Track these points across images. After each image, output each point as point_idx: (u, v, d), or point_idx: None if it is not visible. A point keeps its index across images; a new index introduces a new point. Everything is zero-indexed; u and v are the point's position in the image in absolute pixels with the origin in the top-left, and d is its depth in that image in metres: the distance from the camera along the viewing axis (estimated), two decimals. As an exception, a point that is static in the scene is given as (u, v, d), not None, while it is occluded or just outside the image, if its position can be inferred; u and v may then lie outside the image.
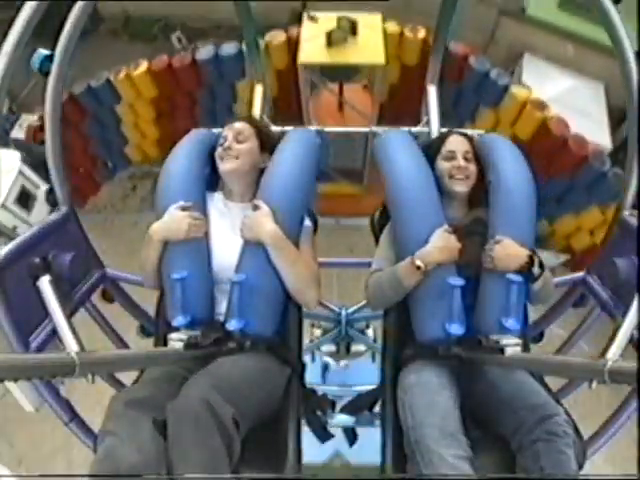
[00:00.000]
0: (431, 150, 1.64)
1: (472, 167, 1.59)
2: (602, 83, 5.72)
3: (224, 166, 1.57)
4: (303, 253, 1.50)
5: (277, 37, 5.06)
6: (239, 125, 1.61)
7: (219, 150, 1.59)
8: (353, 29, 4.15)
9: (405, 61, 5.20)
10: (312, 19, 4.35)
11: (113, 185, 6.41)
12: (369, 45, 4.17)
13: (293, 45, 4.71)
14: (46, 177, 5.93)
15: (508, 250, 1.42)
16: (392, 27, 4.93)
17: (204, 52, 5.19)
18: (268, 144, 1.62)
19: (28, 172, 5.55)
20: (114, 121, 5.72)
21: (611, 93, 5.63)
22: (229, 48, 5.09)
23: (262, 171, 1.57)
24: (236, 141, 1.58)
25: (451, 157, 1.59)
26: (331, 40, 4.10)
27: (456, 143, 1.62)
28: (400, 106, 4.77)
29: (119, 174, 6.41)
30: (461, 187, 1.57)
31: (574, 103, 5.54)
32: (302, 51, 4.18)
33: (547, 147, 4.91)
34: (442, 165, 1.60)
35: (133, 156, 6.23)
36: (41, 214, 5.74)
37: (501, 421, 1.34)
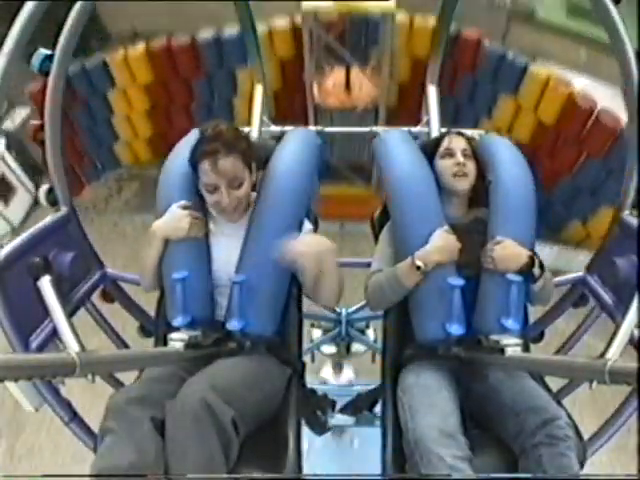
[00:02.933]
0: (428, 150, 1.63)
1: (471, 164, 1.58)
2: (617, 86, 5.64)
3: (226, 216, 1.48)
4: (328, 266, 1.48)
5: (280, 23, 4.76)
6: (229, 166, 1.36)
7: (210, 199, 1.42)
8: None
9: (417, 54, 4.84)
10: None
11: (98, 185, 6.18)
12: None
13: (299, 33, 4.44)
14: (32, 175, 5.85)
15: (508, 251, 1.42)
16: (401, 17, 4.47)
17: (205, 34, 4.97)
18: (257, 163, 1.49)
19: (12, 163, 5.45)
20: (105, 111, 5.48)
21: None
22: (231, 31, 4.83)
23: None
24: (232, 188, 1.40)
25: (450, 154, 1.58)
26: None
27: (454, 141, 1.61)
28: (411, 108, 4.53)
29: (106, 174, 6.20)
30: (462, 185, 1.57)
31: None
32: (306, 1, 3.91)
33: (576, 126, 4.57)
34: (441, 163, 1.59)
35: (123, 156, 5.99)
36: (18, 212, 5.60)
37: (502, 423, 1.34)
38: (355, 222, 5.07)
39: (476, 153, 1.62)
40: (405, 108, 5.03)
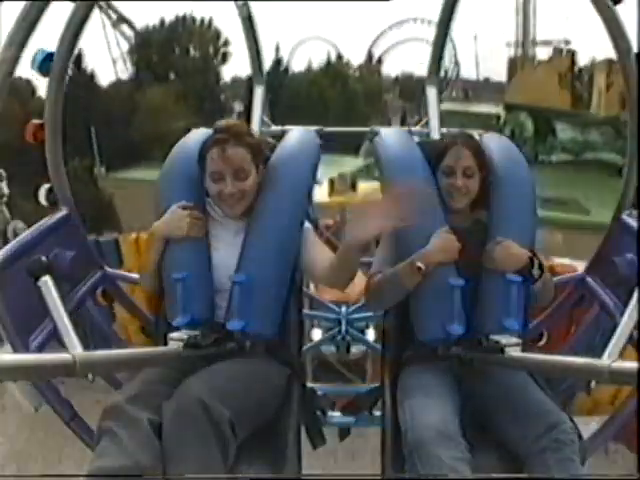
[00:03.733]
0: (433, 158, 1.57)
1: (472, 182, 1.52)
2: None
3: (230, 210, 1.46)
4: (317, 246, 1.50)
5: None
6: (237, 155, 1.38)
7: (213, 188, 1.42)
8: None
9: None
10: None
11: None
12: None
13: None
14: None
15: (509, 251, 1.42)
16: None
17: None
18: (261, 159, 1.48)
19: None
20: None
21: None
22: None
23: None
24: (238, 179, 1.40)
25: (449, 173, 1.52)
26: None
27: (456, 158, 1.51)
28: None
29: None
30: (457, 204, 1.53)
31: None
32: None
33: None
34: (441, 179, 1.54)
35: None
36: None
37: (504, 426, 1.34)
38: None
39: (481, 160, 1.56)
40: None
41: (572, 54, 20.77)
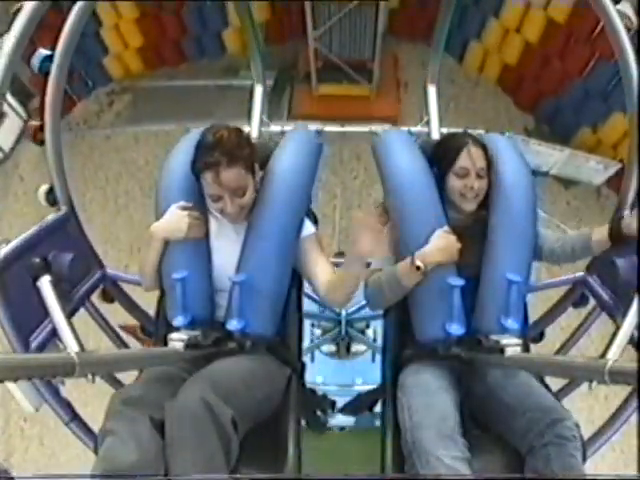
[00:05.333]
0: (443, 160, 1.55)
1: (483, 183, 1.52)
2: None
3: (229, 220, 1.47)
4: (319, 261, 1.49)
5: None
6: (232, 177, 1.35)
7: (213, 206, 1.43)
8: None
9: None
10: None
11: (89, 100, 5.80)
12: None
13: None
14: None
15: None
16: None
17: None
18: (255, 162, 1.46)
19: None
20: (93, 23, 5.16)
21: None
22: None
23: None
24: (236, 197, 1.39)
25: (464, 175, 1.50)
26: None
27: (470, 160, 1.50)
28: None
29: (97, 90, 5.84)
30: (468, 206, 1.52)
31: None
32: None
33: (588, 24, 4.32)
34: (453, 182, 1.51)
35: (113, 70, 5.67)
36: (8, 137, 5.37)
37: (507, 422, 1.34)
38: (356, 122, 4.99)
39: (488, 157, 1.56)
40: (406, 6, 4.96)
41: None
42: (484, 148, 1.55)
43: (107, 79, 5.82)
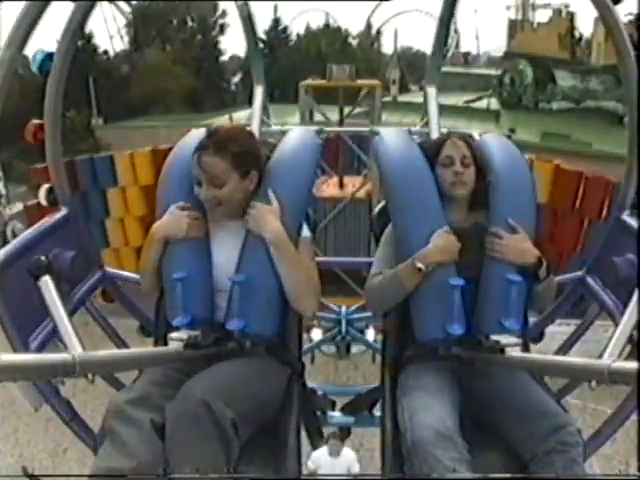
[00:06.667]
0: (430, 155, 1.59)
1: (470, 172, 1.56)
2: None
3: (211, 214, 1.48)
4: (304, 262, 1.48)
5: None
6: (211, 164, 1.39)
7: (197, 189, 1.44)
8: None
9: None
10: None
11: None
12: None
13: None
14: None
15: (521, 245, 1.42)
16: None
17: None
18: (251, 166, 1.46)
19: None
20: (102, 210, 5.38)
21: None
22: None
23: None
24: (212, 186, 1.41)
25: (449, 163, 1.55)
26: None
27: (453, 148, 1.55)
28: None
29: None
30: (459, 192, 1.54)
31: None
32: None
33: (570, 193, 4.58)
34: (441, 171, 1.56)
35: (108, 262, 5.84)
36: None
37: (507, 426, 1.34)
38: None
39: (475, 156, 1.60)
40: None
41: (571, 16, 20.26)
42: (468, 141, 1.61)
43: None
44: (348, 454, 3.44)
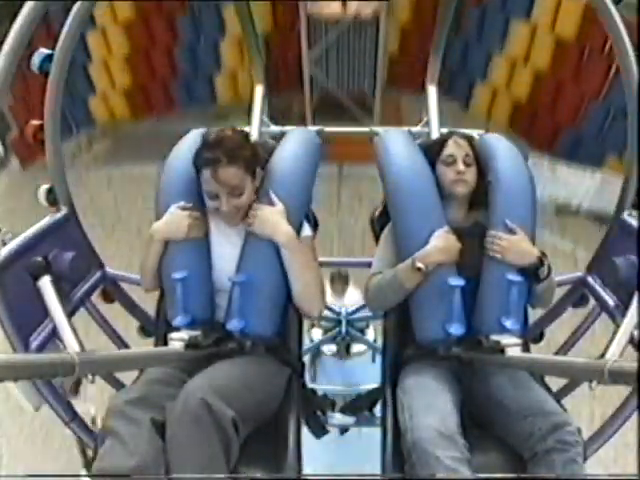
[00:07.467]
0: (431, 153, 1.61)
1: (472, 171, 1.57)
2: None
3: (227, 222, 1.47)
4: (312, 263, 1.49)
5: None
6: (229, 176, 1.36)
7: (210, 204, 1.43)
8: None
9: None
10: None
11: (68, 143, 5.49)
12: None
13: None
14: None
15: (521, 245, 1.42)
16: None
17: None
18: (257, 165, 1.47)
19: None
20: (82, 56, 5.05)
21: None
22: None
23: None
24: (232, 196, 1.40)
25: (451, 162, 1.56)
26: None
27: (456, 147, 1.58)
28: (413, 52, 4.22)
29: (79, 132, 5.69)
30: (460, 190, 1.55)
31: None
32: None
33: (601, 36, 3.92)
34: (442, 169, 1.57)
35: (98, 112, 5.52)
36: None
37: (507, 426, 1.34)
38: (355, 164, 4.62)
39: (476, 153, 1.61)
40: (406, 53, 4.84)
41: None
42: (470, 141, 1.62)
43: (90, 121, 5.66)
44: (353, 292, 3.44)
